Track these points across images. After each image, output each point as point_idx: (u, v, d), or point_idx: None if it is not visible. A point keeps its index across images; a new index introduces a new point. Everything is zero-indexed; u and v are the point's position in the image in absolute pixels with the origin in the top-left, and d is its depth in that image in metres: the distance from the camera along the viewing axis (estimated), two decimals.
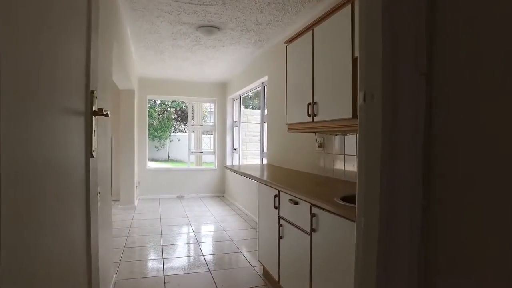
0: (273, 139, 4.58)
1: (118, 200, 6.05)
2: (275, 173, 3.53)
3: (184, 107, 19.00)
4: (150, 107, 19.14)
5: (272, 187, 2.78)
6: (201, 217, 5.61)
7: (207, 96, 7.52)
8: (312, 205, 2.07)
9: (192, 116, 10.31)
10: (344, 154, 2.86)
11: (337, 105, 2.35)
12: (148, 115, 18.81)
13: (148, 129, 19.01)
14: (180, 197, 7.30)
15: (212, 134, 8.39)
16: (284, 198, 2.58)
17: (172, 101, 19.82)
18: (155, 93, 7.23)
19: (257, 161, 7.94)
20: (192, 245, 4.14)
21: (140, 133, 7.07)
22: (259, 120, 8.33)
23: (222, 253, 3.87)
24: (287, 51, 3.23)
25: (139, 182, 6.71)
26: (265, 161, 5.40)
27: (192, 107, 9.78)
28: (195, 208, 6.27)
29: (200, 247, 4.04)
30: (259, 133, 8.32)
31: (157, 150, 19.55)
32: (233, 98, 7.30)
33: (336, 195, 1.96)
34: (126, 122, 6.01)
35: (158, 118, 19.75)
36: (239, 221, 5.28)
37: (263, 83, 5.41)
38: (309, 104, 2.70)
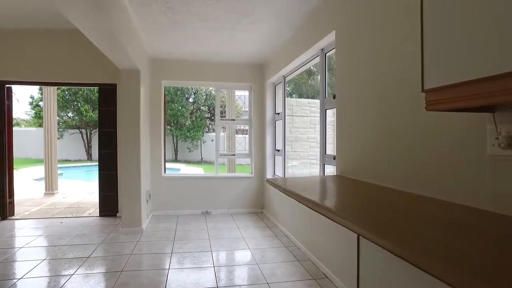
0: (352, 135, 2.69)
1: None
2: (369, 200, 1.65)
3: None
4: (182, 106, 17.92)
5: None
6: (230, 248, 3.84)
7: (240, 80, 5.76)
8: None
9: (223, 110, 8.64)
10: None
11: None
12: (180, 115, 17.88)
13: (180, 129, 18.08)
14: (206, 214, 5.60)
15: (244, 131, 6.61)
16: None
17: (205, 99, 18.46)
18: (173, 77, 5.59)
19: (314, 168, 6.06)
20: None
21: (154, 130, 5.47)
22: (307, 111, 6.46)
23: None
24: None
25: (150, 195, 5.10)
26: (328, 170, 3.51)
27: (223, 97, 8.06)
28: (224, 231, 4.52)
29: None
30: (310, 129, 6.45)
31: (190, 151, 18.26)
32: (273, 82, 5.49)
33: None
34: (128, 113, 4.41)
35: (190, 117, 18.46)
36: (287, 261, 3.44)
37: (322, 49, 3.53)
38: None
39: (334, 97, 3.09)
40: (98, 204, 5.32)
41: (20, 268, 3.21)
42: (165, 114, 5.69)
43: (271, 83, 5.49)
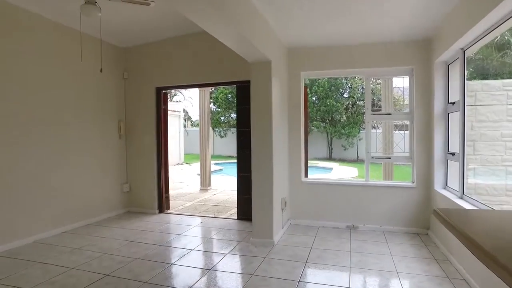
0: None
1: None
2: None
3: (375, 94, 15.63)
4: (336, 101, 17.02)
5: None
6: None
7: (396, 64, 4.52)
8: None
9: (376, 102, 7.30)
10: None
11: None
12: (335, 110, 17.04)
13: (335, 126, 17.25)
14: (351, 228, 4.66)
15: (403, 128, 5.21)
16: None
17: (362, 93, 16.94)
18: (312, 67, 4.87)
19: None
20: None
21: (293, 128, 4.93)
22: (502, 98, 4.52)
23: None
24: None
25: (285, 203, 4.57)
26: None
27: (373, 87, 6.73)
28: (370, 258, 3.51)
29: None
30: (507, 123, 4.50)
31: (345, 149, 17.16)
32: (445, 61, 4.00)
33: None
34: (258, 109, 4.00)
35: (346, 113, 17.31)
36: None
37: None
38: None
39: None
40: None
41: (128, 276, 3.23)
42: (306, 110, 5.06)
43: (442, 62, 4.02)
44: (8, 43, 3.85)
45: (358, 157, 17.09)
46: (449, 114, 3.97)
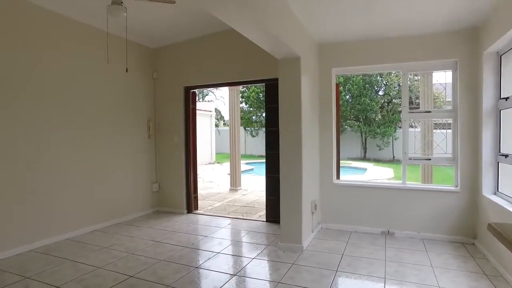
0: None
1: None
2: None
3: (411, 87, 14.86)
4: (371, 99, 16.34)
5: None
6: None
7: (438, 57, 4.13)
8: None
9: (414, 100, 6.82)
10: None
11: None
12: (369, 109, 16.38)
13: (369, 125, 16.59)
14: (387, 234, 4.34)
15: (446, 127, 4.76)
16: None
17: (398, 90, 16.16)
18: (345, 63, 4.60)
19: None
20: None
21: (324, 127, 4.69)
22: None
23: None
24: None
25: (316, 206, 4.34)
26: None
27: (410, 84, 6.27)
28: (408, 269, 3.21)
29: None
30: None
31: (380, 149, 16.46)
32: (496, 52, 3.59)
33: None
34: (287, 107, 3.82)
35: (381, 111, 16.59)
36: None
37: None
38: None
39: None
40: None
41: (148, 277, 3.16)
42: (338, 108, 4.80)
43: (492, 53, 3.60)
44: (45, 47, 3.95)
45: (394, 157, 16.34)
46: (501, 111, 3.55)
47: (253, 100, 18.64)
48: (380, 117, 16.41)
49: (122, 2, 3.62)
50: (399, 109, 16.73)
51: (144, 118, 5.52)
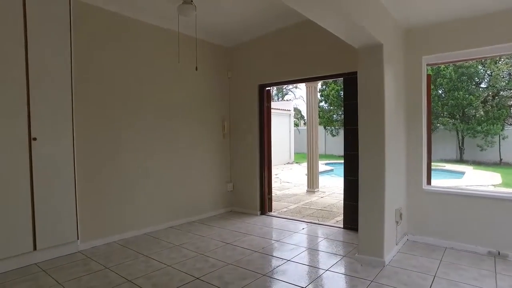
0: None
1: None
2: None
3: None
4: (469, 93, 14.18)
5: None
6: None
7: None
8: None
9: None
10: None
11: None
12: (467, 104, 14.23)
13: (468, 123, 14.47)
14: (496, 256, 3.53)
15: None
16: None
17: (509, 80, 13.77)
18: (439, 49, 3.88)
19: None
20: None
21: (412, 125, 4.07)
22: None
23: None
24: None
25: (401, 215, 3.74)
26: None
27: None
28: None
29: None
30: None
31: (481, 150, 14.25)
32: None
33: None
34: (367, 102, 3.37)
35: (483, 106, 14.33)
36: None
37: None
38: None
39: None
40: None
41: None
42: (429, 103, 4.12)
43: None
44: (130, 48, 4.21)
45: (501, 159, 13.99)
46: None
47: (333, 98, 17.92)
48: (482, 113, 14.21)
49: (192, 1, 3.62)
50: (510, 102, 14.26)
51: (219, 117, 5.56)
